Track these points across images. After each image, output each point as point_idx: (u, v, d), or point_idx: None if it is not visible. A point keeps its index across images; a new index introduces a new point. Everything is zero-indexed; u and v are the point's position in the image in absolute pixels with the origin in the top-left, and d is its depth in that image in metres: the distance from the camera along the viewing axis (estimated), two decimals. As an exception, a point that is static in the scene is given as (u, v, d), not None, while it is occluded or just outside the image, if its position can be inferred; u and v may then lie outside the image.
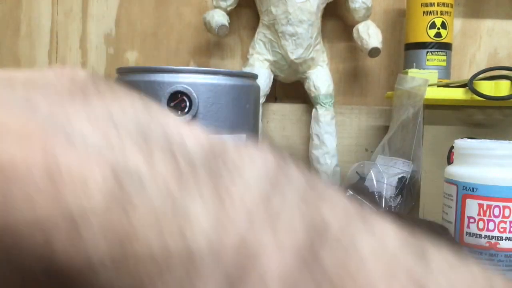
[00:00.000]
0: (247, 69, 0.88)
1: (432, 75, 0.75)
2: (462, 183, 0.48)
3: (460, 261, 0.16)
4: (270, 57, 0.88)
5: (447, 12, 0.85)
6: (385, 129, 0.87)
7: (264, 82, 0.88)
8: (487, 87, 0.67)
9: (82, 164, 0.13)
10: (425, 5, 0.85)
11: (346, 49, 0.99)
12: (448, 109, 0.71)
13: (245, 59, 0.93)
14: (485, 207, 0.46)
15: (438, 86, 0.72)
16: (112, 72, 0.98)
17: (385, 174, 0.74)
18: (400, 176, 0.73)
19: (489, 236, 0.46)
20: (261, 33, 0.88)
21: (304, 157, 0.95)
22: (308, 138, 0.94)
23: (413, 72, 0.76)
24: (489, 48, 0.98)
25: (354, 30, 0.90)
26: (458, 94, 0.68)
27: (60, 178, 0.13)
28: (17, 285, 0.13)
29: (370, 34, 0.87)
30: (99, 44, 0.98)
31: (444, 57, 0.85)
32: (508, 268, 0.46)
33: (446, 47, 0.86)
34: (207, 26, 0.87)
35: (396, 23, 0.98)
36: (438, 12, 0.84)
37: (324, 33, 0.94)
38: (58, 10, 0.97)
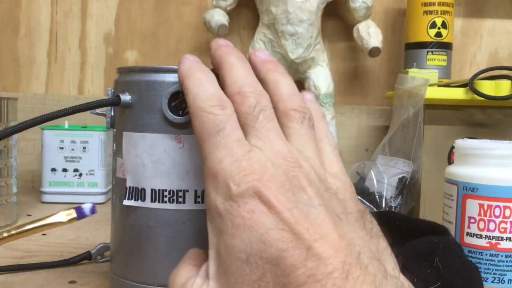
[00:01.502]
0: (247, 69, 0.88)
1: (433, 75, 0.75)
2: (463, 183, 0.47)
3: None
4: (270, 57, 0.88)
5: (447, 12, 0.85)
6: (385, 129, 0.87)
7: (264, 82, 0.87)
8: (488, 87, 0.66)
9: None
10: (425, 4, 0.84)
11: (346, 49, 0.98)
12: (448, 109, 0.71)
13: (245, 59, 0.92)
14: (485, 207, 0.46)
15: (439, 86, 0.72)
16: (111, 72, 0.98)
17: (386, 174, 0.74)
18: (400, 176, 0.73)
19: (489, 236, 0.46)
20: (261, 32, 0.88)
21: (304, 157, 0.95)
22: (308, 138, 0.93)
23: (413, 72, 0.76)
24: (490, 48, 0.98)
25: (354, 29, 0.90)
26: (458, 94, 0.68)
27: None
28: None
29: (370, 33, 0.87)
30: (98, 44, 0.98)
31: (445, 57, 0.85)
32: (508, 268, 0.46)
33: (446, 46, 0.86)
34: (206, 25, 0.87)
35: (397, 22, 0.98)
36: (439, 12, 0.84)
37: (324, 33, 0.94)
38: (58, 10, 0.97)
